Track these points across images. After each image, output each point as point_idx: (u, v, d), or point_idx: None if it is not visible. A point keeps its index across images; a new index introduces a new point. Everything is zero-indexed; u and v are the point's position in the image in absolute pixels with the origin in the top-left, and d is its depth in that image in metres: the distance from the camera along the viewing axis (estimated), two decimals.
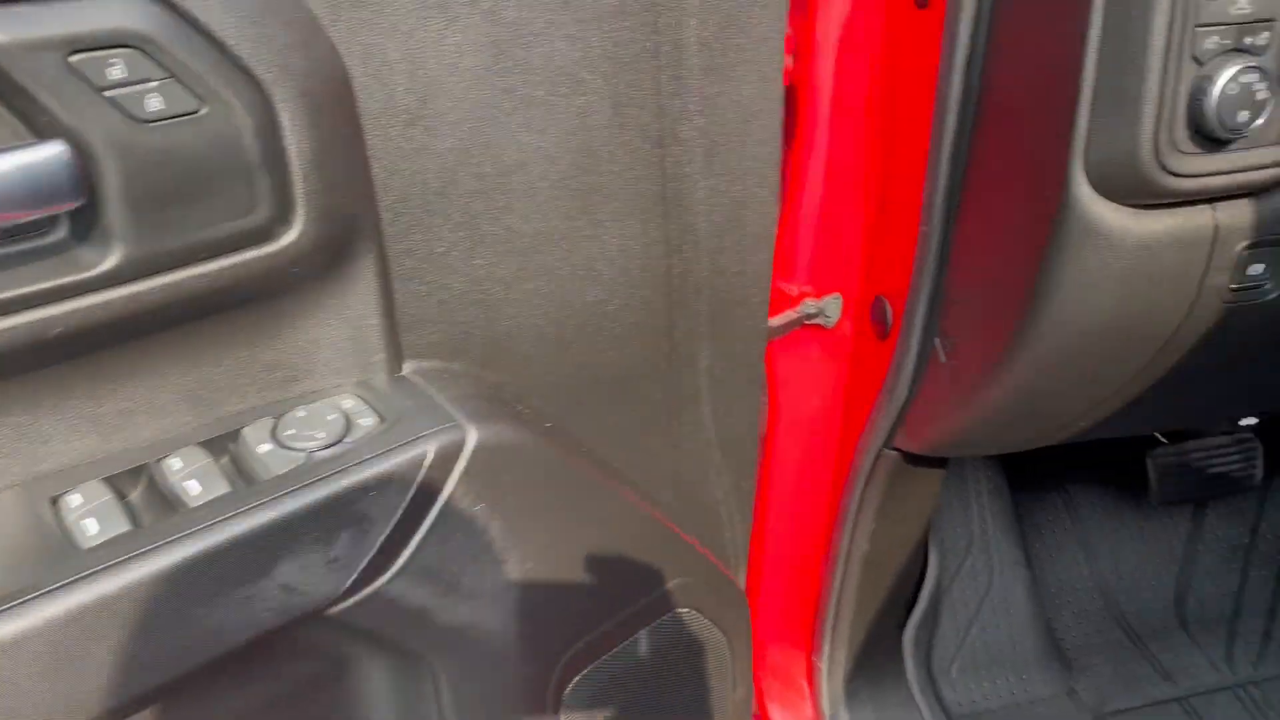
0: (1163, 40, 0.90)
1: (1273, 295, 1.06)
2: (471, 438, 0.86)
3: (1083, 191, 0.98)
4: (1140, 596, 1.87)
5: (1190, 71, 0.92)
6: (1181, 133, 0.94)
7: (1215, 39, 0.91)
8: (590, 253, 1.02)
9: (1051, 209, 1.02)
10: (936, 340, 1.26)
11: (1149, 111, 0.92)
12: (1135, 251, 1.01)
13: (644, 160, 1.03)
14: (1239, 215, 1.01)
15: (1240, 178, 0.97)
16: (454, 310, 0.93)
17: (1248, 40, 0.92)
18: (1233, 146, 0.95)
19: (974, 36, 1.08)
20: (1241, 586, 1.88)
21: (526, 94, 0.92)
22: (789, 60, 1.36)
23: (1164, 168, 0.94)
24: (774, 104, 1.12)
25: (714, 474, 1.28)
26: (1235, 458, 1.73)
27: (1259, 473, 1.78)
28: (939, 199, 1.17)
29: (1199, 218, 1.00)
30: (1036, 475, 1.88)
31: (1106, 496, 1.92)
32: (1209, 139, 0.93)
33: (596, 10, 0.95)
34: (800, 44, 1.34)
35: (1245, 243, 1.02)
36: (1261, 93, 0.92)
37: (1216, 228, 1.01)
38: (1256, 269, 1.04)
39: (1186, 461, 1.71)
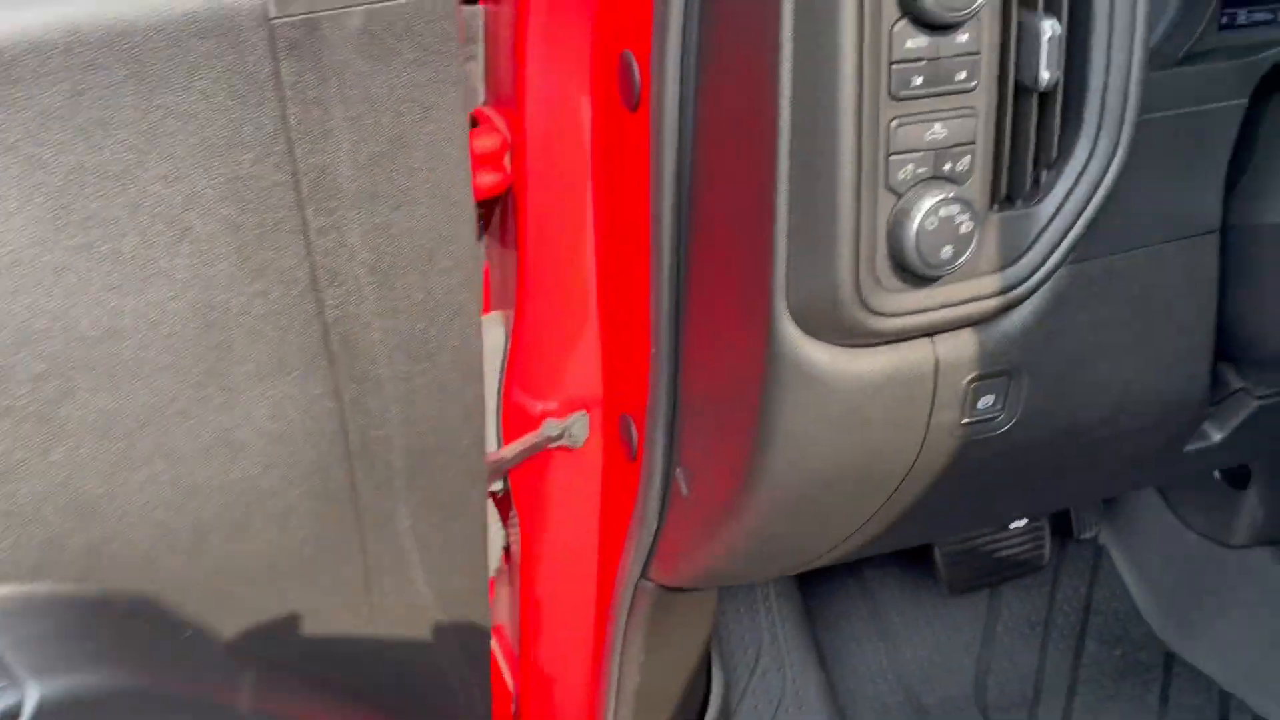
0: (852, 172, 0.80)
1: (1006, 426, 0.98)
2: (32, 698, 0.69)
3: (789, 330, 0.88)
4: (940, 685, 1.79)
5: (888, 203, 0.83)
6: (884, 269, 0.84)
7: (910, 168, 0.81)
8: (226, 423, 0.86)
9: (760, 347, 0.91)
10: (678, 470, 1.14)
11: (845, 250, 0.82)
12: (853, 393, 0.90)
13: (291, 308, 0.88)
14: (961, 348, 0.92)
15: (955, 311, 0.88)
16: (29, 521, 0.76)
17: (947, 167, 0.83)
18: (942, 280, 0.86)
19: (680, 149, 0.96)
20: (1040, 666, 1.83)
21: (110, 249, 0.76)
22: (506, 163, 1.23)
23: (868, 307, 0.84)
24: (463, 225, 0.98)
25: (435, 641, 1.13)
26: (1023, 541, 1.68)
27: (1047, 552, 1.73)
28: (664, 319, 1.06)
29: (918, 353, 0.91)
30: (829, 568, 1.79)
31: (904, 582, 1.85)
32: (915, 275, 0.84)
33: (202, 143, 0.79)
34: (515, 144, 1.22)
35: (971, 375, 0.93)
36: (965, 225, 0.82)
37: (937, 362, 0.92)
38: (987, 401, 0.96)
39: (974, 549, 1.65)
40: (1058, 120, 0.86)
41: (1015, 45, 0.83)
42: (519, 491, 1.37)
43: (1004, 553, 1.67)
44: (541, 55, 1.17)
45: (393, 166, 0.91)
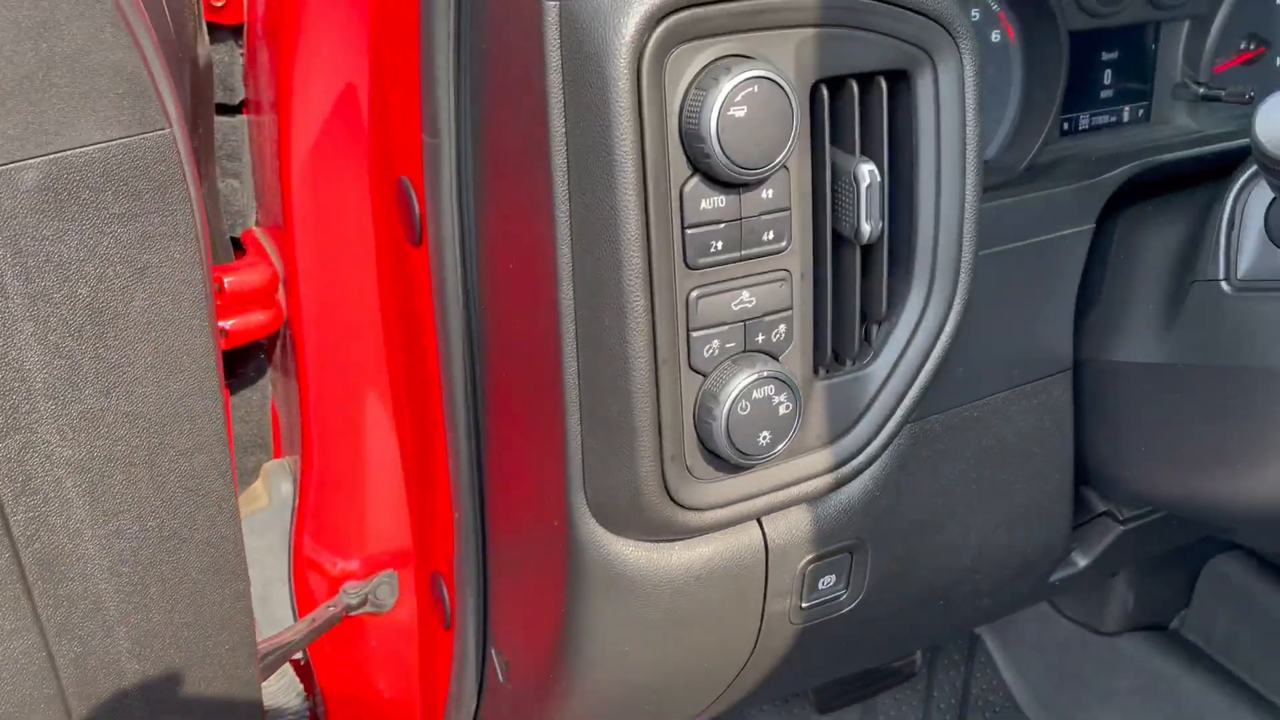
0: (645, 351, 0.67)
1: (852, 605, 0.86)
2: None
3: (590, 527, 0.74)
4: None
5: (693, 385, 0.70)
6: (695, 458, 0.71)
7: (716, 344, 0.69)
8: None
9: (560, 543, 0.77)
10: (494, 652, 1.00)
11: (645, 439, 0.69)
12: (671, 594, 0.77)
13: None
14: (794, 529, 0.79)
15: (786, 493, 0.75)
16: None
17: (760, 339, 0.71)
18: (760, 465, 0.74)
19: (466, 300, 0.82)
20: None
21: None
22: (280, 297, 1.07)
23: (677, 502, 0.71)
24: (203, 399, 0.81)
25: None
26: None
27: (918, 660, 1.63)
28: (464, 481, 0.91)
29: (744, 540, 0.78)
30: None
31: (774, 705, 1.73)
32: (730, 462, 0.71)
33: None
34: (289, 275, 1.06)
35: (808, 557, 0.81)
36: (785, 406, 0.70)
37: (768, 548, 0.79)
38: (828, 581, 0.83)
39: None
40: (885, 273, 0.75)
41: (831, 196, 0.72)
42: (319, 663, 1.20)
43: (874, 670, 1.57)
44: (315, 174, 1.02)
45: (98, 343, 0.74)
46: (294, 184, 0.98)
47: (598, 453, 0.70)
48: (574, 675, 0.81)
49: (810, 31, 0.66)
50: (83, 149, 0.71)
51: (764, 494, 0.74)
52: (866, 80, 0.71)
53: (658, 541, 0.75)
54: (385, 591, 1.13)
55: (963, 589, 0.93)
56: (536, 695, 0.90)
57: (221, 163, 1.06)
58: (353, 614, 1.12)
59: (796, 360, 0.72)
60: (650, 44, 0.61)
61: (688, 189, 0.65)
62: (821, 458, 0.75)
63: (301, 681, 1.20)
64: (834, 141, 0.71)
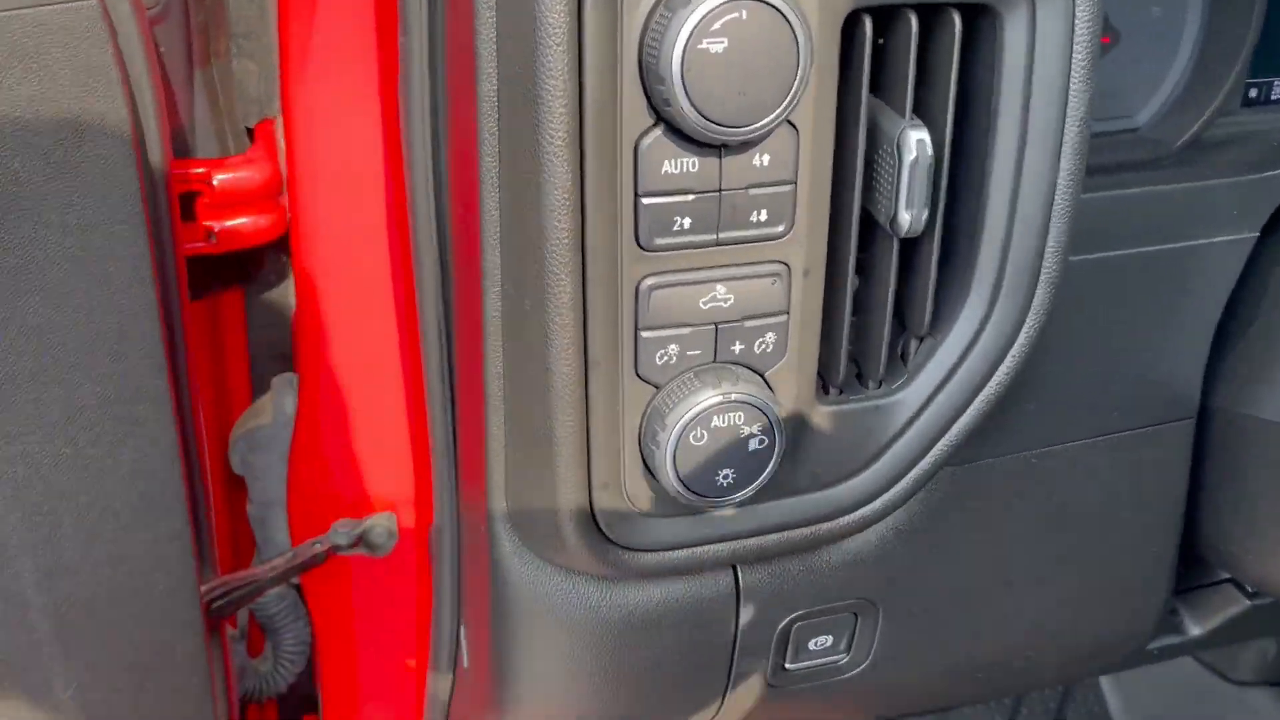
0: (570, 349, 0.51)
1: (852, 672, 0.69)
2: None
3: (511, 544, 0.60)
4: None
5: (641, 399, 0.54)
6: (640, 487, 0.55)
7: (674, 349, 0.52)
8: None
9: (484, 557, 0.63)
10: (461, 628, 0.88)
11: (567, 460, 0.53)
12: (612, 641, 0.62)
13: None
14: (778, 581, 0.63)
15: (756, 543, 0.59)
16: None
17: (736, 348, 0.54)
18: (730, 500, 0.57)
19: (439, 227, 0.67)
20: None
21: None
22: (284, 199, 0.95)
23: (608, 537, 0.56)
24: (139, 318, 0.71)
25: None
26: None
27: None
28: (439, 430, 0.77)
29: (709, 586, 0.62)
30: None
31: None
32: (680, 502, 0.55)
33: None
34: (292, 175, 0.93)
35: (796, 614, 0.65)
36: (758, 440, 0.53)
37: (739, 599, 0.63)
38: (822, 642, 0.67)
39: None
40: (933, 274, 0.56)
41: (864, 168, 0.53)
42: (313, 604, 1.12)
43: None
44: (317, 59, 0.88)
45: (6, 236, 0.64)
46: (292, 67, 0.85)
47: (520, 464, 0.56)
48: (506, 703, 0.69)
49: None
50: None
51: (734, 539, 0.58)
52: (933, 13, 0.52)
53: (595, 577, 0.60)
54: (381, 534, 1.02)
55: (1014, 665, 0.75)
56: (482, 703, 0.78)
57: (237, 40, 0.94)
58: (341, 554, 1.03)
59: (790, 379, 0.55)
60: None
61: (645, 144, 0.48)
62: (820, 502, 0.58)
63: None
64: (877, 94, 0.53)
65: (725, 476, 0.53)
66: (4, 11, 0.62)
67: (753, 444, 0.53)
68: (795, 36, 0.46)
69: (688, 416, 0.51)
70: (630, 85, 0.46)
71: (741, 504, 0.56)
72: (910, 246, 0.56)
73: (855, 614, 0.66)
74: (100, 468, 0.74)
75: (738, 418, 0.52)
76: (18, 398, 0.68)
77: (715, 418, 0.52)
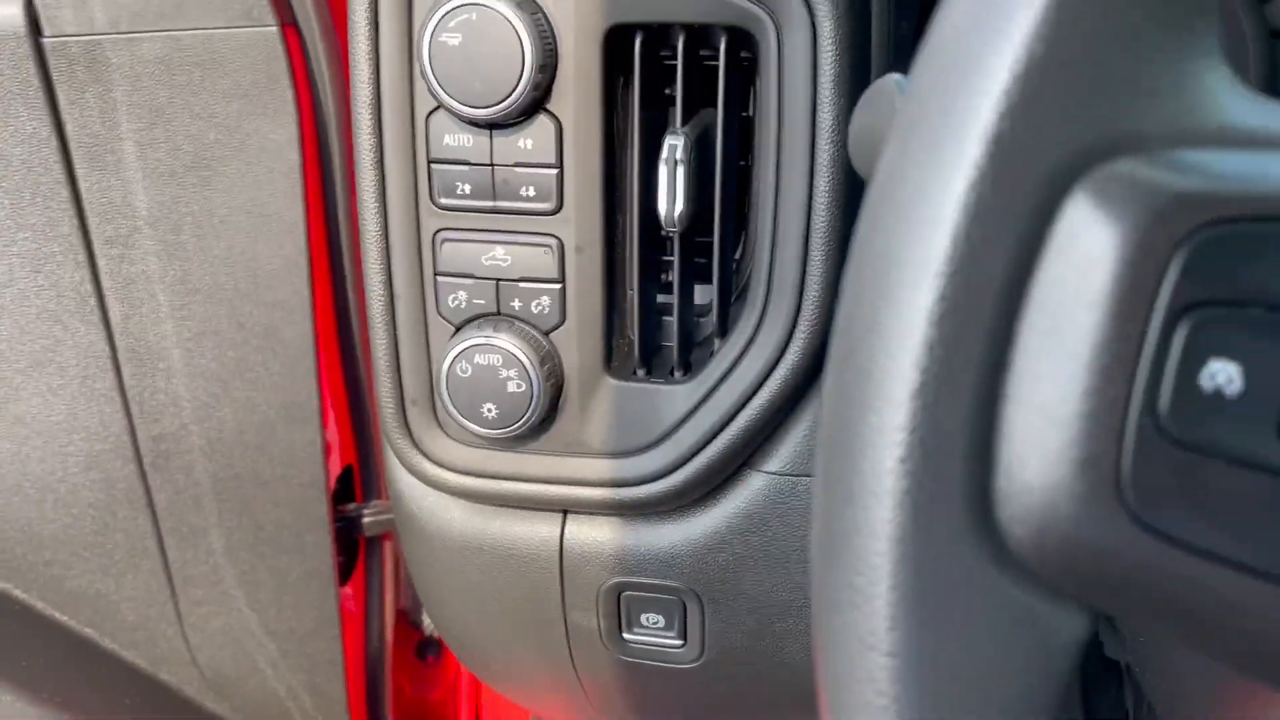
0: (379, 283, 0.64)
1: (692, 663, 0.71)
2: None
3: (399, 440, 0.73)
4: None
5: (445, 334, 0.65)
6: (447, 410, 0.66)
7: (463, 295, 0.63)
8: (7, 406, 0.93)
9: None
10: None
11: (384, 372, 0.66)
12: (479, 558, 0.72)
13: (69, 311, 0.92)
14: (595, 541, 0.69)
15: (539, 489, 0.66)
16: None
17: (515, 304, 0.62)
18: (524, 447, 0.65)
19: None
20: None
21: None
22: None
23: (420, 449, 0.67)
24: (293, 260, 0.95)
25: (267, 668, 1.11)
26: None
27: None
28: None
29: (542, 530, 0.70)
30: None
31: None
32: (462, 426, 0.65)
33: None
34: None
35: (615, 580, 0.70)
36: (515, 383, 0.62)
37: (562, 548, 0.70)
38: (654, 620, 0.71)
39: None
40: (716, 278, 0.61)
41: (639, 166, 0.60)
42: None
43: None
44: None
45: (197, 192, 0.91)
46: None
47: (383, 390, 0.69)
48: (428, 610, 0.81)
49: None
50: (192, 31, 0.87)
51: (522, 480, 0.66)
52: (705, 34, 0.58)
53: (454, 499, 0.71)
54: None
55: None
56: None
57: None
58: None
59: (572, 344, 0.63)
60: None
61: (433, 119, 0.60)
62: (604, 467, 0.65)
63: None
64: (660, 104, 0.60)
65: (489, 409, 0.63)
66: (209, 29, 0.88)
67: (510, 386, 0.62)
68: (519, 37, 0.56)
69: (456, 350, 0.62)
70: (420, 72, 0.59)
71: (544, 451, 0.65)
72: (694, 248, 0.61)
73: (683, 601, 0.70)
74: (253, 372, 0.98)
75: (496, 359, 0.62)
76: (199, 305, 0.95)
77: (477, 355, 0.62)
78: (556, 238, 0.62)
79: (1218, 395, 0.24)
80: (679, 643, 0.72)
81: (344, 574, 1.18)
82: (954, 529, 0.25)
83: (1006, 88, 0.24)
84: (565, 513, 0.70)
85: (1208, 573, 0.24)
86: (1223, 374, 0.24)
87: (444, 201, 0.62)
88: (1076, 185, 0.24)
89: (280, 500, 1.05)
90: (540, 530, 0.71)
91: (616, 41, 0.59)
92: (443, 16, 0.57)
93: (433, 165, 0.61)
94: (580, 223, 0.61)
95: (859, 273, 0.26)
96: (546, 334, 0.63)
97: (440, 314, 0.64)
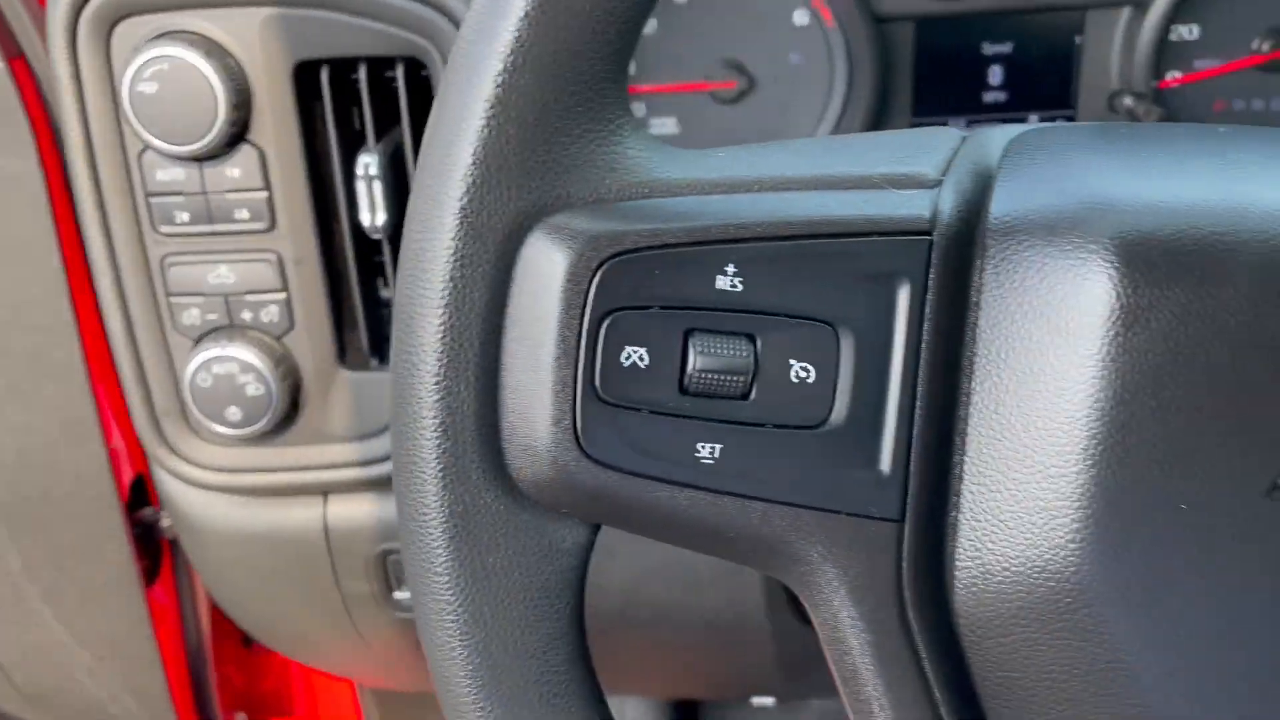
0: (114, 307, 0.70)
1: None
2: None
3: (165, 478, 0.79)
4: None
5: (187, 347, 0.71)
6: (198, 417, 0.73)
7: (196, 312, 0.70)
8: None
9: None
10: None
11: (130, 388, 0.73)
12: (247, 548, 0.80)
13: None
14: (357, 514, 0.78)
15: (289, 477, 0.74)
16: None
17: (246, 315, 0.70)
18: (281, 442, 0.73)
19: None
20: None
21: None
22: None
23: (180, 455, 0.74)
24: (51, 291, 0.98)
25: (85, 676, 1.16)
26: None
27: None
28: None
29: (306, 512, 0.78)
30: None
31: None
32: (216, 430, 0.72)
33: None
34: None
35: (383, 547, 0.79)
36: (253, 387, 0.69)
37: (327, 526, 0.78)
38: None
39: None
40: None
41: (343, 183, 0.68)
42: None
43: None
44: None
45: None
46: None
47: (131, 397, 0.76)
48: (215, 599, 0.88)
49: (272, 11, 0.63)
50: None
51: (279, 471, 0.74)
52: (390, 61, 0.66)
53: (222, 495, 0.78)
54: None
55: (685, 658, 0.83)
56: None
57: None
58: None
59: (305, 346, 0.70)
60: (86, 17, 0.63)
61: (144, 157, 0.66)
62: (352, 450, 0.73)
63: None
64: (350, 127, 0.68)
65: (233, 413, 0.70)
66: None
67: (249, 389, 0.69)
68: (210, 82, 0.62)
69: (195, 363, 0.69)
70: (124, 119, 0.65)
71: (293, 442, 0.72)
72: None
73: None
74: (27, 399, 1.01)
75: (233, 367, 0.69)
76: None
77: (215, 366, 0.69)
78: (275, 252, 0.69)
79: (634, 368, 0.34)
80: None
81: (151, 576, 1.22)
82: (478, 478, 0.35)
83: (467, 172, 0.33)
84: (325, 494, 0.78)
85: (641, 486, 0.35)
86: (636, 355, 0.34)
87: (165, 229, 0.68)
88: (529, 234, 0.34)
89: (73, 515, 1.09)
90: (304, 513, 0.78)
91: (309, 74, 0.66)
92: (138, 69, 0.63)
93: (150, 198, 0.67)
94: (295, 237, 0.68)
95: (399, 294, 0.35)
96: (279, 339, 0.71)
97: (177, 330, 0.71)
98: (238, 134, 0.65)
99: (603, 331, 0.34)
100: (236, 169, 0.66)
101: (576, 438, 0.34)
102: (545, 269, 0.34)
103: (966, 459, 0.36)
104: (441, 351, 0.34)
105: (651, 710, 1.48)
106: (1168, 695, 0.34)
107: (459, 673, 0.36)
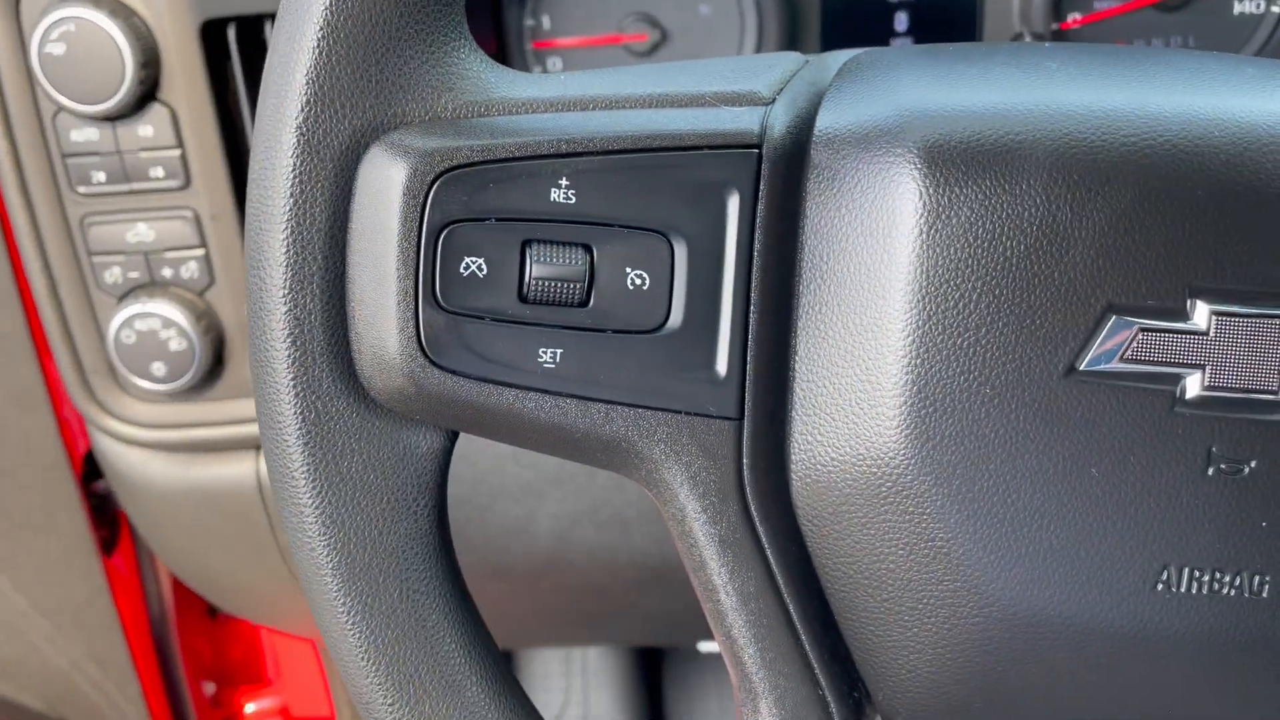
0: (38, 266, 0.72)
1: None
2: None
3: (100, 437, 0.81)
4: None
5: (111, 305, 0.73)
6: (125, 374, 0.75)
7: (118, 270, 0.71)
8: None
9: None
10: None
11: (58, 347, 0.74)
12: (189, 505, 0.82)
13: None
14: None
15: (216, 432, 0.76)
16: None
17: (166, 273, 0.71)
18: (206, 396, 0.75)
19: None
20: None
21: None
22: None
23: (110, 411, 0.76)
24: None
25: (46, 644, 1.18)
26: None
27: None
28: None
29: (241, 467, 0.80)
30: None
31: None
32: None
33: None
34: None
35: None
36: (177, 342, 0.71)
37: (260, 479, 0.80)
38: None
39: None
40: None
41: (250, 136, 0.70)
42: None
43: None
44: None
45: None
46: None
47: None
48: (158, 555, 0.90)
49: None
50: None
51: (210, 426, 0.76)
52: None
53: (167, 451, 0.80)
54: None
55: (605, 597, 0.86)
56: None
57: None
58: None
59: (227, 301, 0.72)
60: None
61: (59, 119, 0.68)
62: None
63: None
64: None
65: (157, 368, 0.72)
66: None
67: (172, 345, 0.71)
68: (117, 43, 0.64)
69: (119, 320, 0.71)
70: (35, 81, 0.67)
71: (217, 398, 0.74)
72: None
73: None
74: None
75: (156, 324, 0.71)
76: None
77: (138, 322, 0.71)
78: (192, 209, 0.70)
79: (473, 278, 0.36)
80: None
81: (110, 546, 1.24)
82: (330, 386, 0.37)
83: (302, 91, 0.35)
84: (258, 448, 0.80)
85: (486, 391, 0.37)
86: (475, 265, 0.36)
87: (83, 190, 0.70)
88: (367, 151, 0.36)
89: (26, 485, 1.10)
90: (238, 468, 0.80)
91: (218, 32, 0.68)
92: (45, 30, 0.64)
93: (66, 159, 0.69)
94: (210, 194, 0.70)
95: (248, 213, 0.37)
96: (200, 294, 0.72)
97: (101, 289, 0.72)
98: (148, 93, 0.67)
99: (441, 243, 0.36)
100: (149, 128, 0.68)
101: (421, 346, 0.36)
102: (383, 184, 0.36)
103: (797, 359, 0.38)
104: (286, 265, 0.35)
105: (613, 658, 1.51)
106: (980, 567, 0.36)
107: (322, 571, 0.38)
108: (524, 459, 0.79)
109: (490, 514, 0.80)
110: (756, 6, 0.81)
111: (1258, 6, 0.81)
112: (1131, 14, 0.82)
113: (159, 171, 0.69)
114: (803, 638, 0.39)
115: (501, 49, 0.83)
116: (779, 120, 0.38)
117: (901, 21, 0.83)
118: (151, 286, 0.72)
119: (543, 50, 0.85)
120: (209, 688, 1.46)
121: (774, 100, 0.39)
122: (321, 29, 0.35)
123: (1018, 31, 0.82)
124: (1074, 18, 0.82)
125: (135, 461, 0.80)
